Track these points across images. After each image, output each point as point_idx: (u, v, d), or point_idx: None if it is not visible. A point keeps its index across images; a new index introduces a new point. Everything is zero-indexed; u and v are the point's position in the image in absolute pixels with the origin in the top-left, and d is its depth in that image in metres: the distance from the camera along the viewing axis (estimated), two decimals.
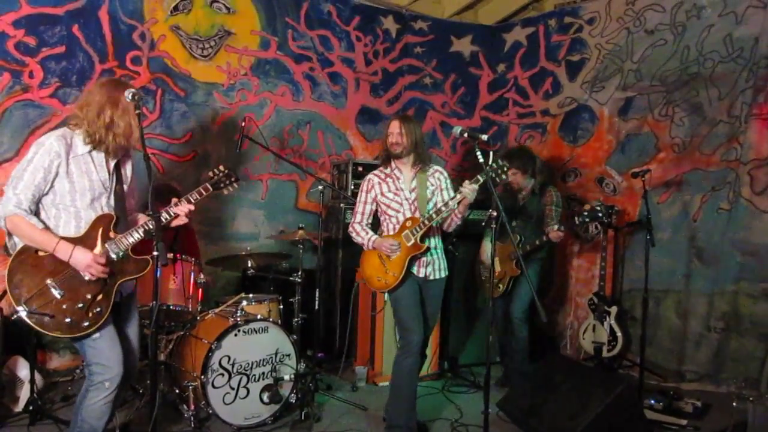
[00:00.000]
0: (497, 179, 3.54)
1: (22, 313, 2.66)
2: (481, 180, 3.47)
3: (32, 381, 3.88)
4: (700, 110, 5.18)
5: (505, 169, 3.55)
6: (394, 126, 3.81)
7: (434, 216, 3.68)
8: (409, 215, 3.78)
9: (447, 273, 3.93)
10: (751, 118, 4.83)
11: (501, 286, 4.84)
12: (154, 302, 2.73)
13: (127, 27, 4.99)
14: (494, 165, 3.50)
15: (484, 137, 3.32)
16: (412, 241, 3.70)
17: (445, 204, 3.68)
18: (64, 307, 2.72)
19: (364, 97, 6.24)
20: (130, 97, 2.80)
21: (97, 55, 4.87)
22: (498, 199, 3.24)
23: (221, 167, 3.25)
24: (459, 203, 3.64)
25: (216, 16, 5.41)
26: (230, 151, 5.26)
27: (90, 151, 2.85)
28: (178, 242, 4.24)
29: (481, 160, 3.27)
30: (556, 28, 6.27)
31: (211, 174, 3.23)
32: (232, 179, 3.27)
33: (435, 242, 3.85)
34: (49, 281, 2.72)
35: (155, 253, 2.69)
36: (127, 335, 3.06)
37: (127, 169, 3.09)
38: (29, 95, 4.64)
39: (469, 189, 3.53)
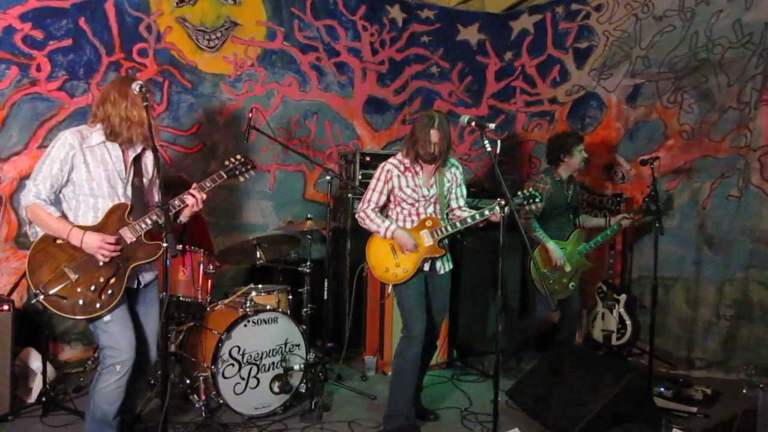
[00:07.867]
0: (528, 207, 3.55)
1: (40, 296, 2.79)
2: (509, 209, 3.21)
3: (44, 372, 3.92)
4: (709, 97, 5.14)
5: (537, 199, 3.53)
6: (435, 136, 3.62)
7: (458, 225, 3.69)
8: (422, 210, 3.76)
9: (452, 266, 3.93)
10: (760, 104, 4.80)
11: (573, 285, 4.70)
12: (164, 293, 2.78)
13: (133, 19, 4.99)
14: (525, 193, 3.53)
15: (491, 126, 3.28)
16: (431, 243, 3.70)
17: (472, 216, 3.66)
18: (79, 290, 2.84)
19: (371, 87, 6.22)
20: (137, 89, 2.87)
21: (103, 48, 4.87)
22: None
23: (238, 156, 3.29)
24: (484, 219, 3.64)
25: (222, 7, 5.39)
26: (238, 142, 5.27)
27: (104, 142, 2.96)
28: (188, 234, 4.25)
29: (489, 149, 3.17)
30: (563, 16, 6.21)
31: (227, 162, 3.25)
32: (249, 166, 3.30)
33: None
34: (65, 266, 2.83)
35: (164, 244, 2.72)
36: (143, 325, 3.11)
37: (148, 164, 3.13)
38: (37, 88, 4.65)
39: (498, 217, 3.29)
